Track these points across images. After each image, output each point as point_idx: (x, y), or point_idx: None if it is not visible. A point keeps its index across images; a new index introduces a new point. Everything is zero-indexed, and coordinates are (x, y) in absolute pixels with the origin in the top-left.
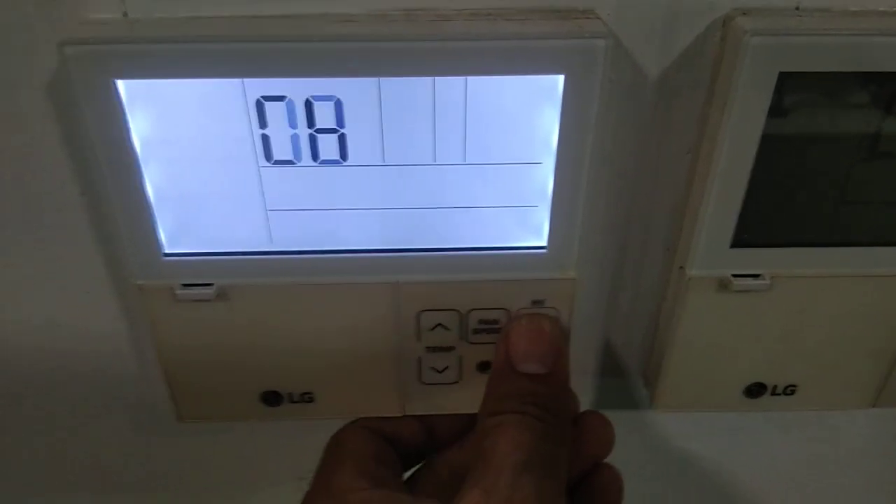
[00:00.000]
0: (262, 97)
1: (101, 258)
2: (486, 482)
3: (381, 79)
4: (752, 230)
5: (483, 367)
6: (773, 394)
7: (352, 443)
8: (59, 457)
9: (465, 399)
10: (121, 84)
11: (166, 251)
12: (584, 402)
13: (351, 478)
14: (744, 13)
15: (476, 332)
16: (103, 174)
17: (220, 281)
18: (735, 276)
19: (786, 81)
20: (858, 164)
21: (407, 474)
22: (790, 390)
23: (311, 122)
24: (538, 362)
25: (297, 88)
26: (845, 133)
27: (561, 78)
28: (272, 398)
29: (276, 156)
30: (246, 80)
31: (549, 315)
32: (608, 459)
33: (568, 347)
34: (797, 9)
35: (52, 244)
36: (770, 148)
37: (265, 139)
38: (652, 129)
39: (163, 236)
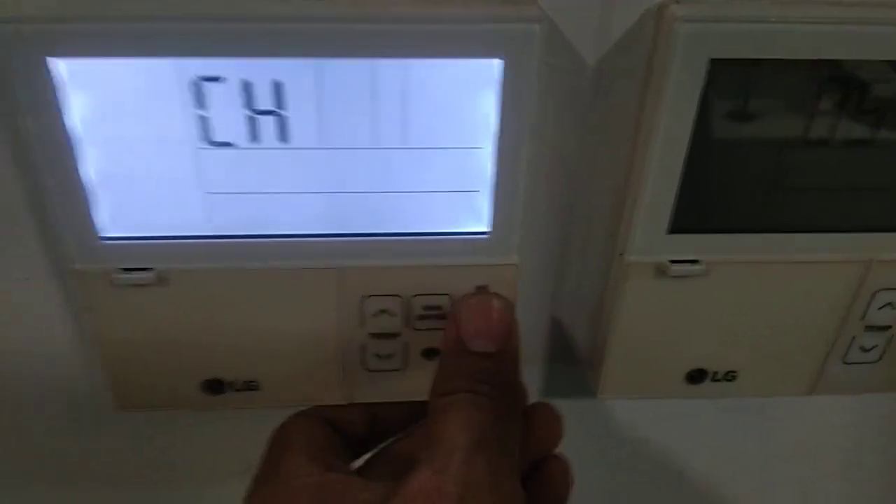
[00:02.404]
0: (200, 77)
1: (37, 243)
2: (437, 462)
3: (321, 60)
4: (688, 216)
5: (428, 353)
6: (714, 380)
7: (299, 430)
8: None
9: (411, 386)
10: (56, 63)
11: (104, 235)
12: (530, 389)
13: (300, 463)
14: (677, 1)
15: (420, 318)
16: (38, 157)
17: (159, 265)
18: (672, 261)
19: (717, 68)
20: (792, 150)
21: (357, 464)
22: (731, 376)
23: (249, 103)
24: (489, 339)
25: (235, 69)
26: (778, 120)
27: (499, 62)
28: (215, 386)
29: (215, 137)
30: (183, 60)
31: (498, 294)
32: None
33: (517, 326)
34: None
35: None
36: (704, 135)
37: (203, 120)
38: (593, 116)
39: (100, 220)
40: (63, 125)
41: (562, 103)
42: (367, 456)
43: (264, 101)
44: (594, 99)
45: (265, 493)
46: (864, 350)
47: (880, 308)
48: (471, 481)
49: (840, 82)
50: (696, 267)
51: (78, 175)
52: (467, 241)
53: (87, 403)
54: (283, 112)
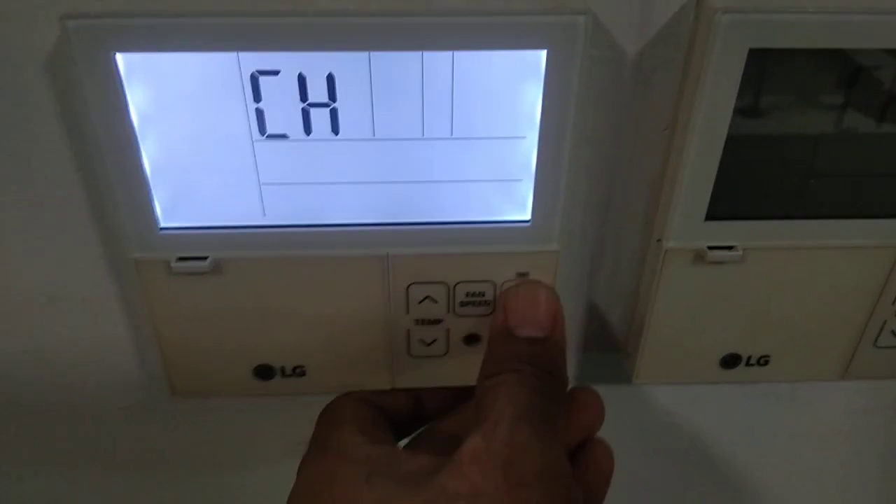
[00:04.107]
0: (257, 71)
1: (97, 233)
2: (485, 430)
3: (372, 53)
4: (725, 203)
5: (470, 339)
6: (748, 364)
7: (346, 408)
8: (55, 433)
9: (453, 371)
10: (120, 58)
11: (162, 225)
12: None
13: (350, 436)
14: None
15: (463, 304)
16: (100, 148)
17: (214, 254)
18: (710, 247)
19: (756, 58)
20: (826, 139)
21: (401, 444)
22: (764, 361)
23: (304, 96)
24: (536, 326)
25: (291, 63)
26: (814, 108)
27: (543, 53)
28: (265, 372)
29: (270, 130)
30: (241, 55)
31: (544, 282)
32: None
33: (563, 312)
34: None
35: (49, 220)
36: (742, 124)
37: (259, 113)
38: (631, 106)
39: (159, 210)
40: (126, 118)
41: (602, 94)
42: (408, 439)
43: (317, 93)
44: (633, 89)
45: (318, 464)
46: (895, 334)
47: None
48: (517, 444)
49: (872, 71)
50: (732, 253)
51: (139, 167)
52: (509, 229)
53: (142, 390)
54: (335, 104)
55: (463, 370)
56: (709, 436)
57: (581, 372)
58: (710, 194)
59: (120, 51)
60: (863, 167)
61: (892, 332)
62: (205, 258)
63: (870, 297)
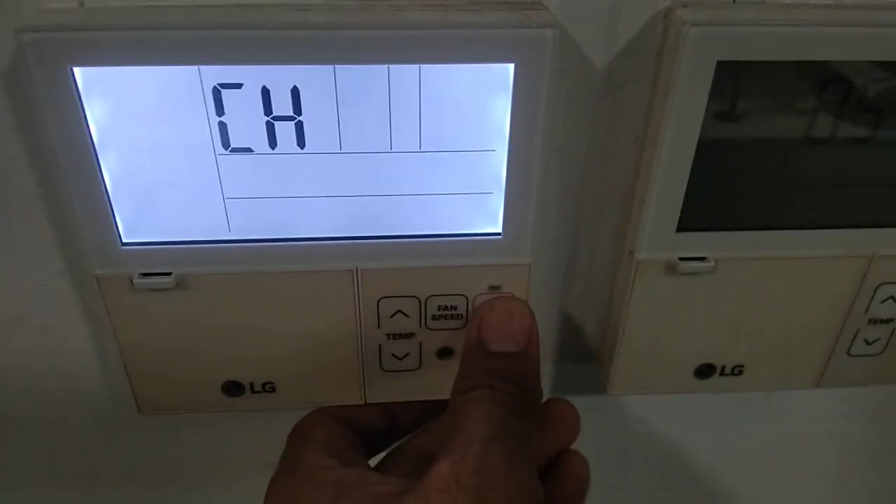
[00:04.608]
0: (219, 84)
1: (57, 249)
2: (455, 453)
3: (337, 67)
4: (696, 215)
5: (443, 353)
6: (722, 374)
7: (317, 427)
8: (18, 452)
9: (426, 385)
10: (78, 71)
11: (124, 240)
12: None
13: (319, 457)
14: (684, 5)
15: (435, 318)
16: (59, 163)
17: (178, 270)
18: (681, 259)
19: (724, 70)
20: (796, 150)
21: (373, 462)
22: (738, 370)
23: (267, 109)
24: (510, 341)
25: (254, 76)
26: (783, 120)
27: (511, 66)
28: (234, 388)
29: (234, 143)
30: (202, 68)
31: (518, 297)
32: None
33: (537, 328)
34: (734, 1)
35: (8, 236)
36: (711, 135)
37: (222, 127)
38: (601, 118)
39: (121, 225)
40: (85, 132)
41: (572, 106)
42: (383, 454)
43: (282, 107)
44: (603, 102)
45: (286, 488)
46: (868, 343)
47: (882, 301)
48: (488, 471)
49: (841, 82)
50: (704, 264)
51: (100, 182)
52: (481, 242)
53: (108, 407)
54: (300, 118)
55: (436, 384)
56: (685, 444)
57: (556, 383)
58: (680, 205)
59: (77, 65)
60: (833, 177)
61: (865, 340)
62: (168, 274)
63: (842, 307)
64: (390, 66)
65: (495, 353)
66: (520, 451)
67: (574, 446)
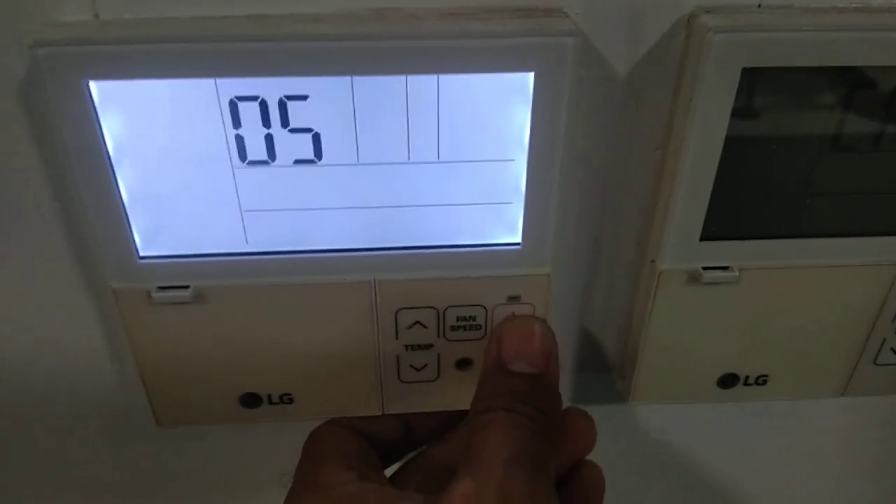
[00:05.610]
0: (236, 97)
1: (75, 263)
2: (477, 474)
3: (354, 78)
4: (720, 224)
5: (461, 364)
6: (746, 384)
7: (332, 439)
8: (37, 464)
9: (444, 396)
10: (93, 85)
11: (141, 254)
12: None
13: (337, 471)
14: (707, 11)
15: (453, 329)
16: (76, 177)
17: (196, 283)
18: (705, 268)
19: (749, 77)
20: (821, 157)
21: (389, 472)
22: (762, 380)
23: (284, 121)
24: (530, 362)
25: (271, 88)
26: (809, 127)
27: (531, 75)
28: (251, 400)
29: (251, 156)
30: (219, 81)
31: (539, 317)
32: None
33: (557, 349)
34: (759, 6)
35: (25, 250)
36: (735, 143)
37: (239, 139)
38: (622, 126)
39: (138, 239)
40: (101, 146)
41: (593, 114)
42: (398, 464)
43: (299, 119)
44: (624, 109)
45: (303, 503)
46: (895, 352)
47: None
48: (510, 493)
49: (868, 87)
50: (727, 273)
51: (116, 196)
52: (500, 253)
53: (126, 420)
54: (317, 129)
55: (455, 395)
56: (706, 454)
57: (575, 393)
58: (704, 215)
59: (93, 79)
60: (859, 184)
61: (892, 349)
62: (186, 287)
63: (869, 315)
64: (408, 76)
65: (515, 374)
66: (540, 476)
67: (592, 455)
